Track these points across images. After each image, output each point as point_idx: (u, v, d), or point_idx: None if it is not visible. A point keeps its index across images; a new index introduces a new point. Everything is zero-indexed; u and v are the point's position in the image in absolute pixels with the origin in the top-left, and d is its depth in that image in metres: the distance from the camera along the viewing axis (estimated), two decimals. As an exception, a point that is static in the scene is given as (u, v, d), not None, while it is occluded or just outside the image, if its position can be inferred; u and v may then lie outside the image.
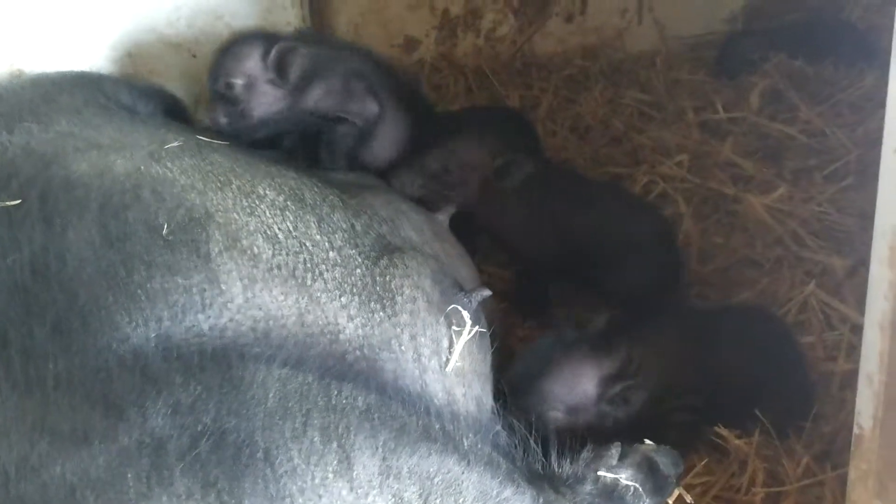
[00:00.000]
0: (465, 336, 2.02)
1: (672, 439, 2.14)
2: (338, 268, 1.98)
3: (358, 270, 2.00)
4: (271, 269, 1.88)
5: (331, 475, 1.56)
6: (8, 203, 1.87)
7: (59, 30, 2.91)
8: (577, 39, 3.71)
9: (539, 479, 1.97)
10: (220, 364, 1.67)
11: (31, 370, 1.60)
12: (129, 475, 1.45)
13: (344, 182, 2.46)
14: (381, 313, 1.97)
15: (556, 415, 2.22)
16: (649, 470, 2.11)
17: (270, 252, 1.91)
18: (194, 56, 3.28)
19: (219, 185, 2.03)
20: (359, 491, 1.57)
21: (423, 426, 1.78)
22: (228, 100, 2.63)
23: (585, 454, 2.08)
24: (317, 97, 2.65)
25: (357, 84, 2.69)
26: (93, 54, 2.86)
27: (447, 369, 1.99)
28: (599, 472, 2.05)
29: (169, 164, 2.05)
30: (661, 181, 3.05)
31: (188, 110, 2.99)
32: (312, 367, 1.76)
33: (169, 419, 1.54)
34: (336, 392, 1.70)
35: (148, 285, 1.74)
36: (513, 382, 2.24)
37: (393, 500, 1.60)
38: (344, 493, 1.55)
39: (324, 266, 1.96)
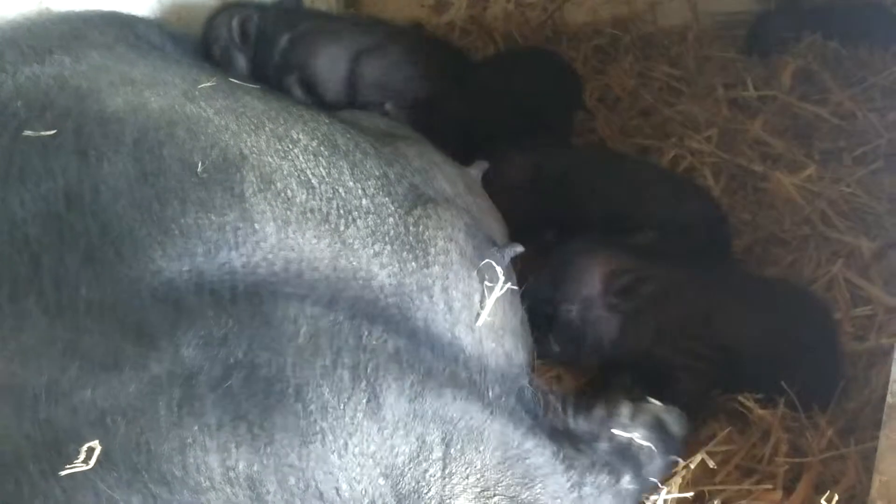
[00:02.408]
0: (497, 292, 2.01)
1: (679, 403, 2.19)
2: (370, 215, 1.97)
3: (391, 219, 1.99)
4: (304, 212, 1.87)
5: (360, 414, 1.56)
6: (42, 133, 1.87)
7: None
8: (609, 10, 3.69)
9: (559, 435, 1.98)
10: (253, 300, 1.67)
11: (63, 296, 1.60)
12: (161, 403, 1.45)
13: (377, 130, 2.44)
14: (413, 263, 1.96)
15: (570, 308, 2.26)
16: (659, 429, 2.13)
17: (304, 196, 1.90)
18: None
19: (252, 127, 2.02)
20: (385, 431, 1.57)
21: (450, 372, 1.79)
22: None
23: (598, 412, 2.11)
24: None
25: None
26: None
27: (478, 324, 1.98)
28: (614, 431, 2.07)
29: (203, 104, 2.05)
30: (689, 155, 3.03)
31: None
32: (344, 308, 1.75)
33: (200, 350, 1.53)
34: (367, 333, 1.70)
35: (182, 220, 1.74)
36: (534, 285, 2.29)
37: (417, 441, 1.61)
38: (372, 432, 1.56)
39: (356, 213, 1.95)
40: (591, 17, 3.69)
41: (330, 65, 2.81)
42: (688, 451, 2.14)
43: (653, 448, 2.08)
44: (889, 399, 1.75)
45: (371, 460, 1.54)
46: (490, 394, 1.84)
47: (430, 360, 1.77)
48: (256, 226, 1.79)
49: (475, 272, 2.04)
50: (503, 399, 1.87)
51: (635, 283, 2.26)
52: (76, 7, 2.73)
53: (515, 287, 2.13)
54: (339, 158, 2.06)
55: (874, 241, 2.66)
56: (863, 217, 2.78)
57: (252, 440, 1.45)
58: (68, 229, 1.69)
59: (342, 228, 1.90)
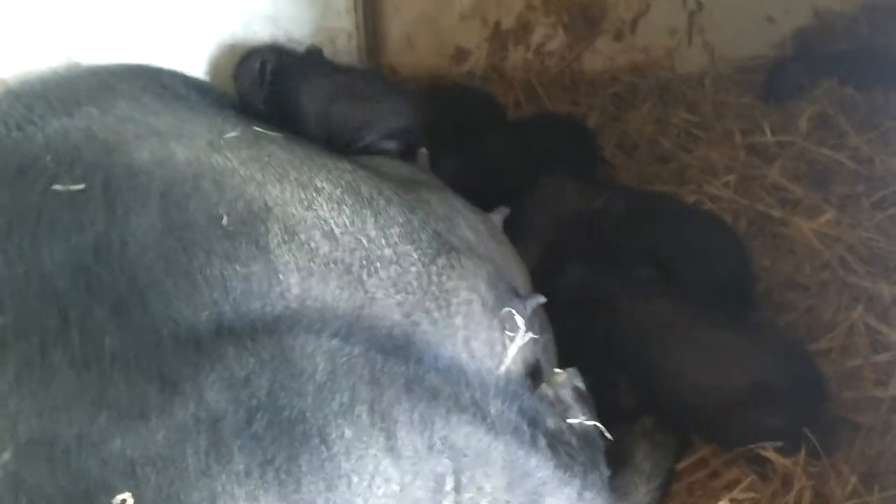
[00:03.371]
0: (519, 342, 2.03)
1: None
2: (393, 265, 2.00)
3: (413, 269, 2.02)
4: (328, 263, 1.91)
5: (379, 453, 1.58)
6: (72, 188, 1.91)
7: (115, 25, 2.95)
8: (626, 57, 3.72)
9: (554, 440, 2.00)
10: (272, 335, 1.69)
11: (89, 347, 1.62)
12: (188, 451, 1.47)
13: (399, 176, 2.48)
14: (435, 313, 1.99)
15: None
16: (583, 399, 2.18)
17: (327, 248, 1.94)
18: (249, 58, 3.32)
19: (277, 177, 2.05)
20: (404, 467, 1.60)
21: (454, 395, 1.81)
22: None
23: (542, 406, 2.10)
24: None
25: None
26: (147, 53, 2.90)
27: (499, 372, 2.00)
28: (569, 421, 2.09)
29: (228, 154, 2.09)
30: (707, 201, 3.06)
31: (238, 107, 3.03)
32: (359, 341, 1.78)
33: (224, 393, 1.56)
34: (380, 365, 1.73)
35: (207, 271, 1.77)
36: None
37: (431, 475, 1.63)
38: (393, 471, 1.58)
39: (379, 263, 1.98)
40: (608, 64, 3.73)
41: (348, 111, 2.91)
42: (710, 498, 2.15)
43: (600, 426, 2.11)
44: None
45: (394, 500, 1.56)
46: (493, 411, 1.85)
47: (436, 384, 1.80)
48: (280, 276, 1.82)
49: (496, 321, 2.07)
50: (505, 415, 1.88)
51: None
52: (104, 60, 2.81)
53: (537, 336, 2.15)
54: (363, 206, 2.09)
55: (894, 285, 2.66)
56: (882, 262, 2.79)
57: (279, 487, 1.47)
58: (96, 281, 1.72)
59: (365, 278, 1.93)
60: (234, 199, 1.94)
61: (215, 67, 3.28)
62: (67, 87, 2.38)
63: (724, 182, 3.13)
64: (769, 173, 3.13)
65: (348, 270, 1.93)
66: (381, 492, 1.55)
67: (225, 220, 1.87)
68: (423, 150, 2.88)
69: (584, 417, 2.10)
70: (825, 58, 3.53)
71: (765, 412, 2.21)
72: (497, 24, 3.60)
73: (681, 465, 2.31)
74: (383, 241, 2.03)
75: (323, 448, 1.54)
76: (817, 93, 3.42)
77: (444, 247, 2.13)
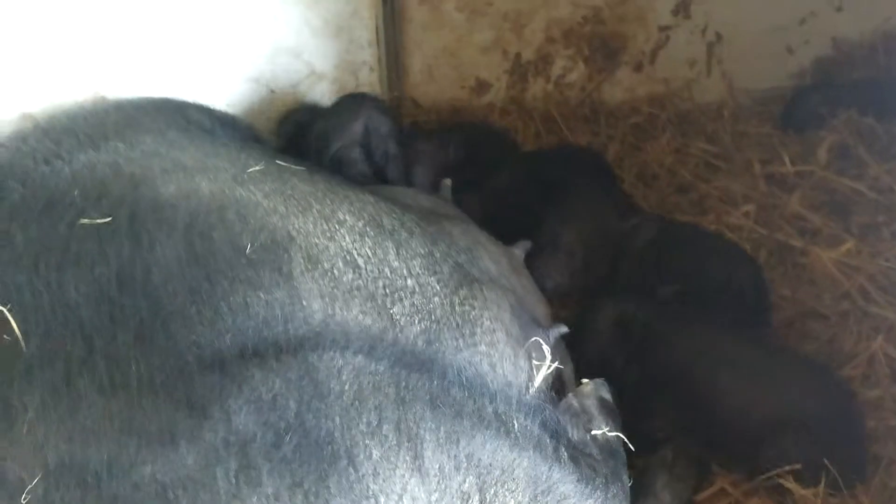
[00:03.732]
0: (545, 371, 2.05)
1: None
2: (416, 295, 2.02)
3: (436, 298, 2.05)
4: (350, 290, 1.93)
5: (406, 472, 1.60)
6: (98, 221, 1.94)
7: (141, 60, 3.01)
8: (646, 88, 3.75)
9: (576, 452, 2.02)
10: (297, 354, 1.71)
11: (116, 374, 1.65)
12: (219, 474, 1.49)
13: (421, 208, 2.51)
14: (459, 341, 2.01)
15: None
16: (608, 410, 2.19)
17: (350, 276, 1.96)
18: (272, 91, 3.38)
19: (300, 209, 2.09)
20: (430, 486, 1.62)
21: (477, 410, 1.82)
22: None
23: (566, 418, 2.12)
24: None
25: None
26: (173, 87, 2.95)
27: (525, 397, 2.02)
28: (592, 432, 2.11)
29: (252, 188, 2.12)
30: (727, 231, 3.07)
31: (262, 140, 3.08)
32: (384, 357, 1.80)
33: (252, 416, 1.58)
34: (404, 382, 1.75)
35: (231, 298, 1.80)
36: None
37: (457, 492, 1.65)
38: (420, 490, 1.60)
39: (402, 293, 2.01)
40: (628, 95, 3.76)
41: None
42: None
43: (622, 437, 2.14)
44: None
45: None
46: (516, 426, 1.87)
47: (459, 399, 1.81)
48: (304, 302, 1.85)
49: (521, 351, 2.09)
50: (528, 429, 1.90)
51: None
52: (130, 94, 2.86)
53: (562, 367, 2.17)
54: (385, 238, 2.12)
55: (914, 315, 2.66)
56: (903, 292, 2.79)
57: None
58: (119, 310, 1.75)
59: (388, 306, 1.96)
60: (257, 230, 1.97)
61: (240, 100, 3.33)
62: (94, 122, 2.43)
63: (744, 212, 3.14)
64: (789, 203, 3.14)
65: (371, 298, 1.95)
66: None
67: (249, 250, 1.90)
68: (447, 181, 2.93)
69: (607, 428, 2.12)
70: (844, 87, 3.54)
71: (801, 440, 2.22)
72: (517, 56, 3.64)
73: (701, 496, 2.31)
74: (405, 271, 2.06)
75: (351, 470, 1.55)
76: (836, 123, 3.42)
77: (465, 278, 2.15)
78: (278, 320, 1.79)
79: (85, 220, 1.94)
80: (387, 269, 2.03)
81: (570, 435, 2.04)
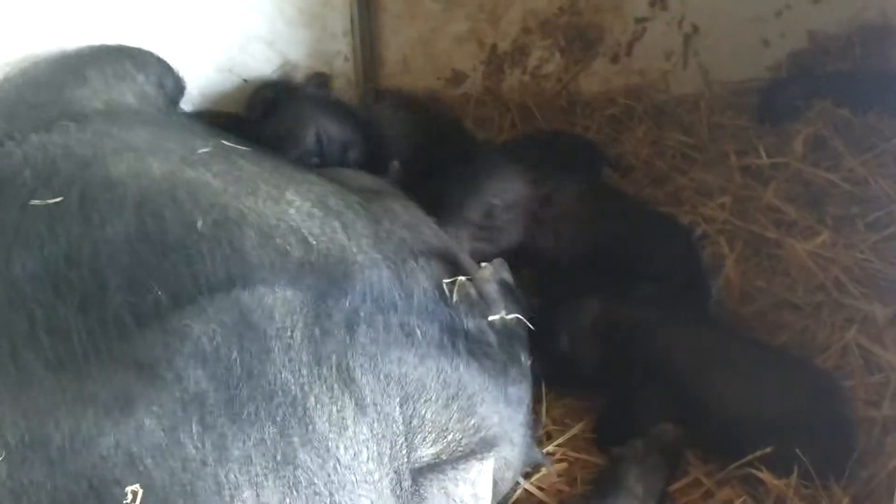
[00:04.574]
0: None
1: None
2: (367, 269, 2.02)
3: (371, 270, 2.04)
4: (303, 265, 1.93)
5: (351, 413, 1.64)
6: (49, 201, 1.94)
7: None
8: (622, 80, 3.74)
9: (472, 345, 2.04)
10: (229, 293, 1.72)
11: (60, 346, 1.64)
12: (184, 439, 1.49)
13: (363, 187, 2.53)
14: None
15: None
16: (507, 291, 2.23)
17: (302, 251, 1.96)
18: (245, 81, 3.35)
19: (249, 190, 2.10)
20: (370, 422, 1.66)
21: (385, 324, 1.86)
22: None
23: (460, 306, 2.13)
24: None
25: None
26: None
27: (420, 300, 2.05)
28: (490, 318, 2.13)
29: (201, 169, 2.14)
30: (703, 222, 3.07)
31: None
32: (308, 287, 1.82)
33: (200, 370, 1.58)
34: (326, 312, 1.77)
35: (180, 269, 1.79)
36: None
37: (388, 419, 1.70)
38: (363, 429, 1.64)
39: (347, 264, 2.01)
40: (604, 86, 3.74)
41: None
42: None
43: (522, 318, 2.17)
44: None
45: (375, 463, 1.63)
46: (419, 334, 1.90)
47: (372, 315, 1.84)
48: (255, 273, 1.84)
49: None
50: (430, 335, 1.93)
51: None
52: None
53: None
54: (332, 219, 2.13)
55: (888, 307, 2.65)
56: (877, 283, 2.78)
57: (277, 468, 1.51)
58: (64, 284, 1.75)
59: (329, 273, 1.95)
60: (208, 208, 1.97)
61: (213, 90, 3.31)
62: (44, 91, 2.46)
63: (720, 203, 3.14)
64: (764, 195, 3.13)
65: (321, 269, 1.95)
66: (365, 455, 1.61)
67: (200, 225, 1.90)
68: (395, 163, 2.92)
69: (504, 312, 2.14)
70: (820, 78, 3.54)
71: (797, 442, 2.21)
72: (493, 46, 3.62)
73: (675, 486, 2.30)
74: (355, 248, 2.07)
75: (306, 419, 1.58)
76: (812, 115, 3.42)
77: (410, 253, 2.17)
78: (226, 287, 1.78)
79: (36, 201, 1.93)
80: (336, 247, 2.03)
81: (466, 328, 2.06)
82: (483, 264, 2.25)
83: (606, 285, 2.65)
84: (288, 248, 1.94)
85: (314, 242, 2.00)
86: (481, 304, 2.16)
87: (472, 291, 2.16)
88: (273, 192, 2.13)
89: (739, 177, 3.26)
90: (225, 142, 2.42)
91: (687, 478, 2.31)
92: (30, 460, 1.48)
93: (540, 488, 2.29)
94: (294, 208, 2.09)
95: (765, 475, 2.19)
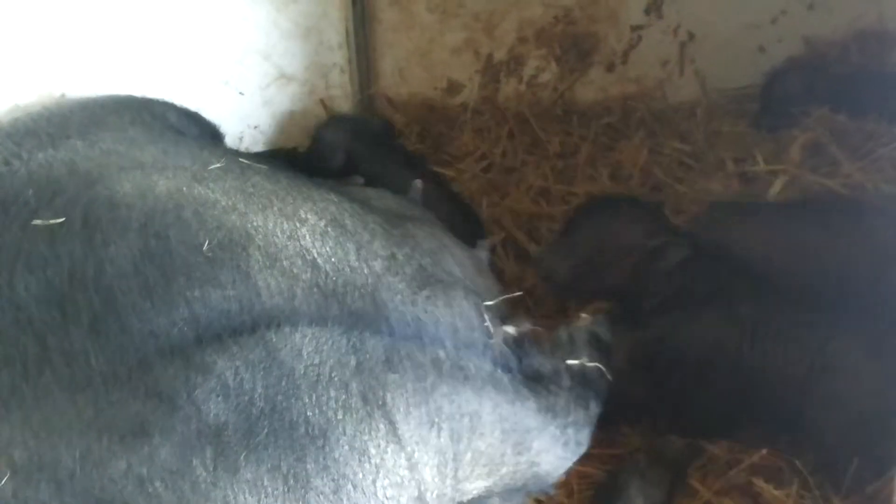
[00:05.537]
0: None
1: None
2: (376, 293, 2.00)
3: (398, 297, 2.02)
4: (310, 288, 1.91)
5: (382, 442, 1.62)
6: (51, 221, 1.91)
7: (109, 61, 2.98)
8: (618, 88, 3.74)
9: (533, 383, 2.04)
10: (254, 334, 1.71)
11: (77, 370, 1.63)
12: (196, 464, 1.49)
13: (388, 210, 2.49)
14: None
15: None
16: (596, 342, 2.21)
17: (308, 274, 1.93)
18: (241, 93, 3.35)
19: (260, 207, 2.06)
20: (406, 452, 1.64)
21: (432, 361, 1.83)
22: None
23: (543, 348, 2.17)
24: None
25: None
26: (141, 88, 2.92)
27: (472, 336, 2.05)
28: (568, 362, 2.13)
29: (211, 185, 2.09)
30: (701, 230, 3.05)
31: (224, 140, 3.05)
32: (336, 323, 1.81)
33: (221, 404, 1.57)
34: (360, 347, 1.75)
35: (187, 293, 1.77)
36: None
37: (433, 450, 1.69)
38: (398, 459, 1.63)
39: (362, 290, 1.98)
40: (601, 95, 3.74)
41: None
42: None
43: (601, 368, 2.16)
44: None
45: (402, 490, 1.60)
46: (472, 368, 1.88)
47: (415, 355, 1.81)
48: (262, 297, 1.82)
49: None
50: (483, 369, 1.92)
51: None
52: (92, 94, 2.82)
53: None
54: (347, 239, 2.09)
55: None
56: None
57: (288, 492, 1.50)
58: (70, 304, 1.72)
59: (348, 302, 1.93)
60: (214, 228, 1.93)
61: (209, 103, 3.30)
62: (57, 122, 2.38)
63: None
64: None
65: (333, 293, 1.93)
66: (387, 482, 1.59)
67: (206, 247, 1.87)
68: (417, 182, 2.90)
69: (585, 359, 2.15)
70: (818, 72, 3.53)
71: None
72: (489, 56, 3.62)
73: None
74: (366, 270, 2.03)
75: (327, 448, 1.56)
76: (809, 121, 3.41)
77: (429, 280, 2.13)
78: (234, 311, 1.77)
79: (38, 221, 1.90)
80: (346, 269, 2.00)
81: (525, 365, 2.07)
82: (583, 315, 2.28)
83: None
84: (295, 270, 1.92)
85: (322, 265, 1.97)
86: (566, 348, 2.18)
87: (563, 335, 2.18)
88: (287, 209, 2.09)
89: (737, 184, 3.25)
90: (242, 159, 2.38)
91: (685, 487, 2.30)
92: (36, 480, 1.47)
93: (539, 501, 2.28)
94: (307, 227, 2.06)
95: (763, 486, 2.18)
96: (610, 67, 3.71)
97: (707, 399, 2.35)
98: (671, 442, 2.33)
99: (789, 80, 3.59)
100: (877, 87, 3.48)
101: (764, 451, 2.24)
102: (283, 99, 3.46)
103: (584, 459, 2.38)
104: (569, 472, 2.34)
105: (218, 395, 1.58)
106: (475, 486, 1.84)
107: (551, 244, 2.77)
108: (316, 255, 1.98)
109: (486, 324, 2.11)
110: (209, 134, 2.82)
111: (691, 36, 3.66)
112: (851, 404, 2.18)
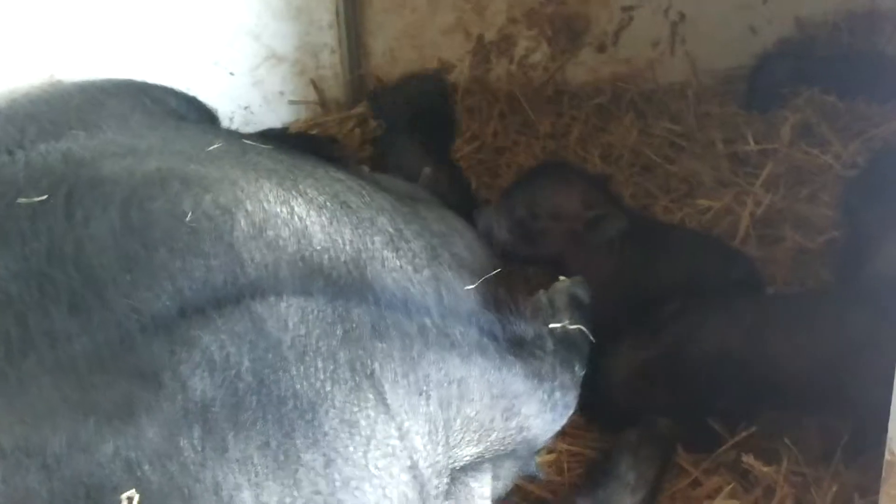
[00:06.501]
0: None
1: None
2: (367, 266, 1.96)
3: (392, 272, 1.99)
4: (295, 260, 1.85)
5: (371, 413, 1.60)
6: (35, 199, 1.88)
7: (99, 43, 2.97)
8: (609, 69, 3.73)
9: (517, 349, 2.04)
10: (239, 305, 1.67)
11: (59, 351, 1.59)
12: (183, 444, 1.46)
13: (399, 192, 2.47)
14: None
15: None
16: (576, 304, 2.22)
17: (296, 246, 1.88)
18: (232, 74, 3.34)
19: (254, 178, 2.00)
20: (397, 421, 1.62)
21: (418, 329, 1.81)
22: None
23: (524, 314, 2.16)
24: None
25: None
26: (131, 70, 2.90)
27: (456, 304, 2.04)
28: (550, 326, 2.14)
29: (206, 163, 2.05)
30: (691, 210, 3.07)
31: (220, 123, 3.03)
32: (320, 292, 1.77)
33: (207, 379, 1.54)
34: (346, 316, 1.72)
35: (169, 265, 1.72)
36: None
37: (424, 417, 1.67)
38: (389, 429, 1.61)
39: (352, 264, 1.93)
40: (591, 76, 3.73)
41: None
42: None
43: (584, 329, 2.17)
44: (887, 456, 1.76)
45: (393, 460, 1.58)
46: (457, 335, 1.87)
47: (402, 324, 1.79)
48: (247, 268, 1.77)
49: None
50: (469, 335, 1.91)
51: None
52: (86, 77, 2.80)
53: None
54: (345, 214, 2.04)
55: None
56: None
57: (279, 468, 1.48)
58: (48, 282, 1.69)
59: (334, 275, 1.88)
60: (200, 195, 1.88)
61: (200, 84, 3.28)
62: (58, 107, 2.35)
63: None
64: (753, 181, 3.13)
65: (317, 267, 1.88)
66: (378, 453, 1.56)
67: (189, 217, 1.82)
68: (427, 170, 2.90)
69: (567, 321, 2.15)
70: (807, 60, 3.54)
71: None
72: (480, 37, 3.61)
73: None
74: (360, 245, 1.98)
75: (316, 422, 1.54)
76: (799, 102, 3.43)
77: (434, 260, 2.13)
78: (219, 283, 1.72)
79: (22, 199, 1.88)
80: (340, 242, 1.95)
81: (509, 331, 2.07)
82: (561, 277, 2.29)
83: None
84: (280, 242, 1.86)
85: (312, 236, 1.92)
86: (547, 311, 2.19)
87: (543, 298, 2.18)
88: (285, 183, 2.04)
89: (727, 164, 3.26)
90: (245, 140, 2.35)
91: (673, 467, 2.32)
92: (26, 465, 1.45)
93: (530, 479, 2.29)
94: (303, 199, 2.00)
95: (753, 462, 2.19)
96: (601, 48, 3.70)
97: (727, 395, 2.34)
98: (660, 420, 2.34)
99: (779, 62, 3.60)
100: (867, 68, 3.49)
101: (752, 429, 2.24)
102: (274, 79, 3.45)
103: (575, 439, 2.41)
104: (560, 452, 2.37)
105: (204, 371, 1.54)
106: (466, 453, 1.83)
107: (493, 204, 2.78)
108: (308, 225, 1.94)
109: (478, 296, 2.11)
110: (207, 118, 2.80)
111: (682, 16, 3.65)
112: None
